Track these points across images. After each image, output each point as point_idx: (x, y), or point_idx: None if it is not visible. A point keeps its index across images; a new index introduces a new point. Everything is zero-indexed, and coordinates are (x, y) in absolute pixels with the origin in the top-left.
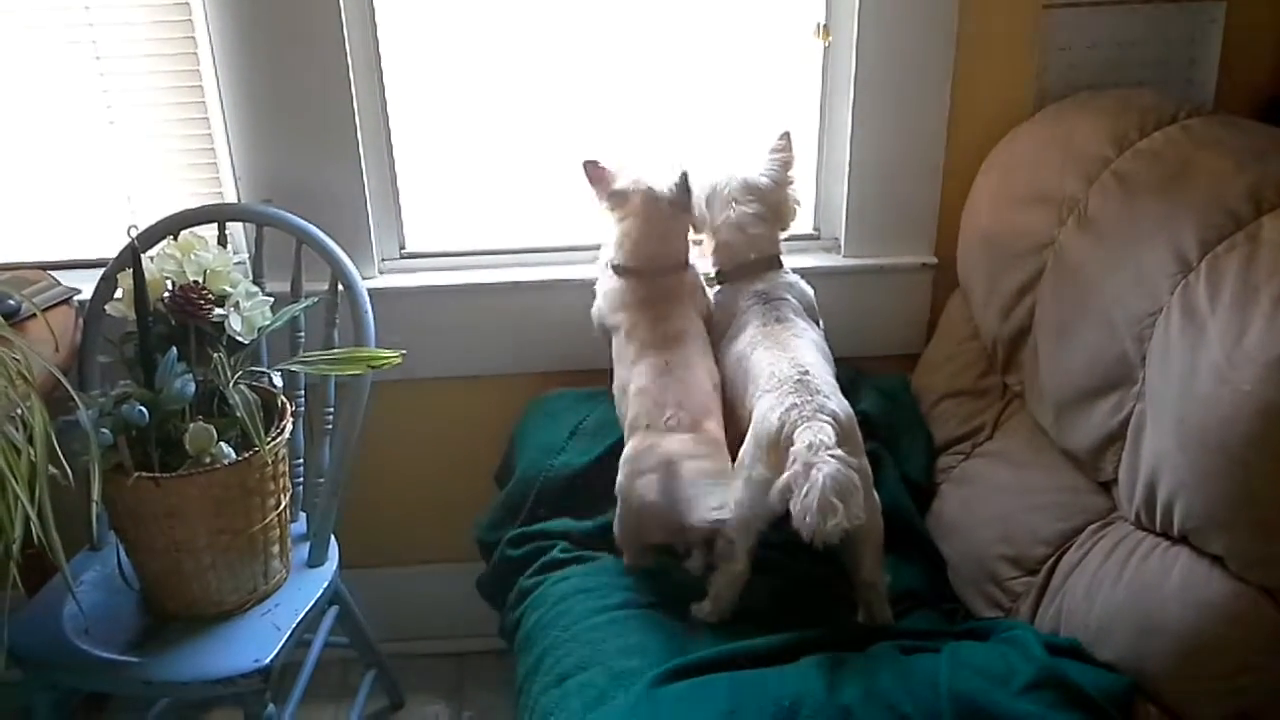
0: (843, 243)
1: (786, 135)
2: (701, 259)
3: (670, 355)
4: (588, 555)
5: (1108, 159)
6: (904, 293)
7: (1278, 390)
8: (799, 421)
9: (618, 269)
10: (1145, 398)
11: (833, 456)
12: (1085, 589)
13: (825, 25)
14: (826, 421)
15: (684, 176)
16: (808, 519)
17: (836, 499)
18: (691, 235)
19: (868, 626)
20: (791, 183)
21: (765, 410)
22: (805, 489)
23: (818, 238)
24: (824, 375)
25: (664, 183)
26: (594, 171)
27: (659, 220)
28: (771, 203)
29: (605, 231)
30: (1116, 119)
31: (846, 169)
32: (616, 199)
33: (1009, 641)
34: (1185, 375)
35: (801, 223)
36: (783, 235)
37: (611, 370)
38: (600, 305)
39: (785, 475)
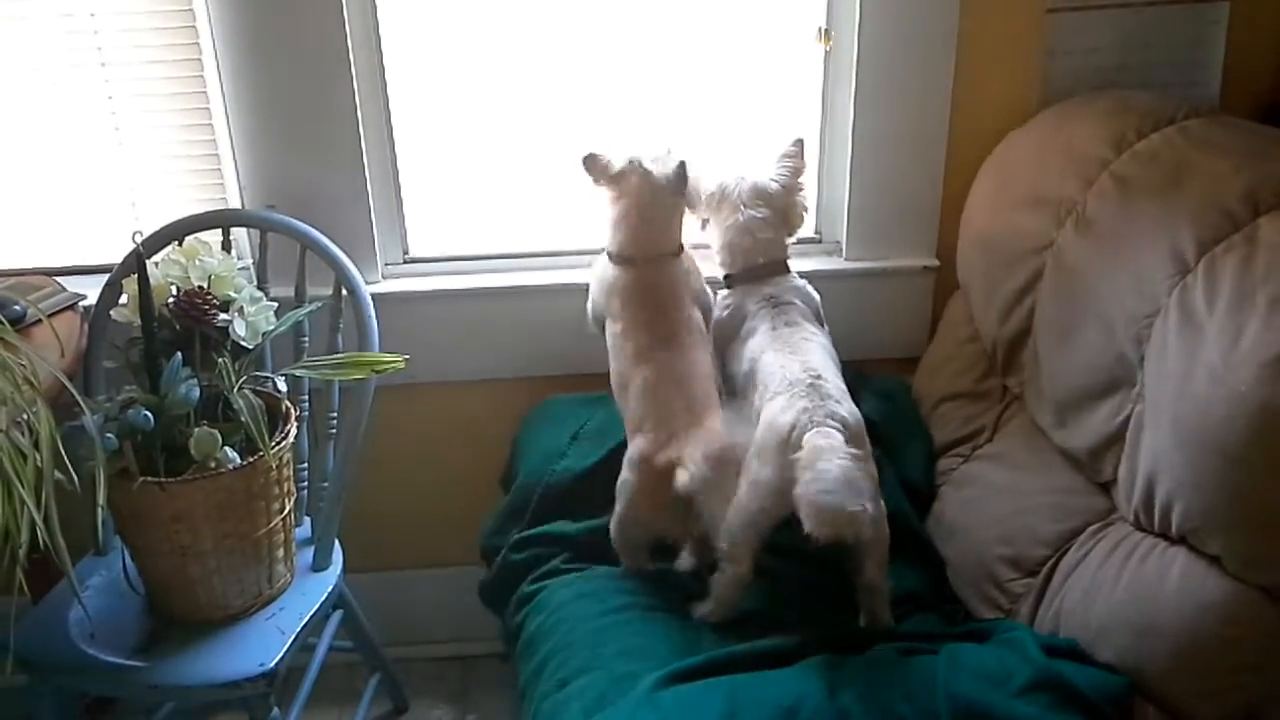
0: (844, 246)
1: (799, 142)
2: (709, 253)
3: (670, 355)
4: (588, 568)
5: (1106, 161)
6: (906, 295)
7: (1274, 391)
8: (809, 425)
9: (613, 256)
10: (1144, 399)
11: (841, 458)
12: (1084, 590)
13: (827, 29)
14: (835, 427)
15: (682, 165)
16: (811, 509)
17: (843, 488)
18: (690, 217)
19: (867, 629)
20: (801, 189)
21: (776, 412)
22: (811, 481)
23: (819, 241)
24: (835, 380)
25: (661, 168)
26: (593, 165)
27: (654, 203)
28: (779, 208)
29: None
30: (1114, 121)
31: (848, 172)
32: (612, 181)
33: (1007, 643)
34: (1183, 376)
35: (803, 226)
36: (790, 240)
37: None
38: (595, 294)
39: (798, 477)
